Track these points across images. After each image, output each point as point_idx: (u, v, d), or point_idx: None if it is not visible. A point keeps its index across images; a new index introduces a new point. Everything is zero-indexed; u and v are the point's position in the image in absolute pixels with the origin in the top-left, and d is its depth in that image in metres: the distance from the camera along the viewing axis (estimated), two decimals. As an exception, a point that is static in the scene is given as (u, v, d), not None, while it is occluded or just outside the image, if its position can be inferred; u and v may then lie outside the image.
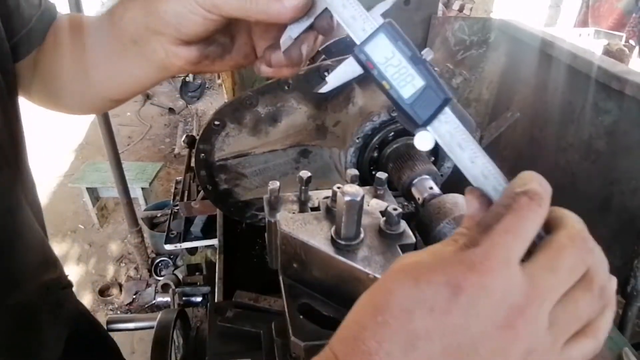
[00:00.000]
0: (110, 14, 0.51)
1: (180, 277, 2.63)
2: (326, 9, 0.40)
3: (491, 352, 0.28)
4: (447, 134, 0.36)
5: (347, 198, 0.49)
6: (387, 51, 0.37)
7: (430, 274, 0.29)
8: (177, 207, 1.91)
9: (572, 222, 0.32)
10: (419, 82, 0.36)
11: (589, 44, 2.35)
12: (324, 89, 0.42)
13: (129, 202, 2.37)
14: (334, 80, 0.41)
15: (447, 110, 0.36)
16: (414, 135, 0.37)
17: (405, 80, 0.36)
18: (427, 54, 0.37)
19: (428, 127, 0.36)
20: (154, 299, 2.63)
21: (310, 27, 0.42)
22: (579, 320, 0.30)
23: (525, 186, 0.30)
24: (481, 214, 0.33)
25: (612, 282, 0.32)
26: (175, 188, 2.18)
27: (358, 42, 0.38)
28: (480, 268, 0.28)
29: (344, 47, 1.16)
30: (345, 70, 0.40)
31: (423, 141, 0.37)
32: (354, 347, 0.30)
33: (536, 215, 0.30)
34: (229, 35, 0.49)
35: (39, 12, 0.58)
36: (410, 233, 0.57)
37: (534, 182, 0.31)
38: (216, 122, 0.88)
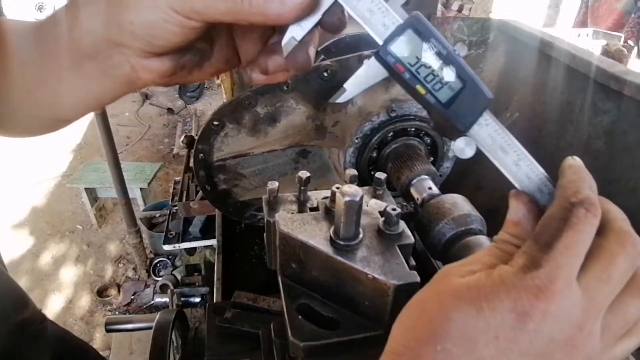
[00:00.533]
0: (53, 22, 0.42)
1: (179, 277, 2.63)
2: (335, 2, 0.33)
3: None
4: (488, 137, 0.33)
5: (346, 198, 0.49)
6: (417, 50, 0.32)
7: (494, 301, 0.28)
8: (176, 208, 1.91)
9: (620, 224, 0.31)
10: (457, 84, 0.32)
11: (588, 44, 2.36)
12: (343, 99, 0.36)
13: (128, 202, 2.36)
14: (353, 87, 0.35)
15: (486, 111, 0.33)
16: (451, 139, 0.33)
17: (441, 83, 0.32)
18: (460, 49, 0.33)
19: (468, 132, 0.33)
20: (153, 299, 2.63)
21: (316, 25, 0.35)
22: (628, 324, 0.30)
23: (578, 194, 0.30)
24: (529, 220, 0.32)
25: None
26: (174, 188, 2.18)
27: (380, 41, 0.33)
28: (546, 293, 0.27)
29: (344, 47, 1.16)
30: (366, 75, 0.34)
31: (465, 148, 0.33)
32: None
33: (593, 228, 0.29)
34: (209, 39, 0.41)
35: None
36: (409, 233, 0.57)
37: (586, 186, 0.30)
38: (215, 122, 0.88)
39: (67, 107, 0.46)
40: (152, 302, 2.63)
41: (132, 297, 2.70)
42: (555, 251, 0.28)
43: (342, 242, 0.53)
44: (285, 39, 0.35)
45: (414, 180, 0.81)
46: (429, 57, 0.32)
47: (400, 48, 0.32)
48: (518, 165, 0.33)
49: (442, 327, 0.29)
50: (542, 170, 0.33)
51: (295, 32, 0.35)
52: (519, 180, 0.33)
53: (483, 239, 0.65)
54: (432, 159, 1.00)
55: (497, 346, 0.27)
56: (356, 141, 0.84)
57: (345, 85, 0.35)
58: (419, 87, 0.32)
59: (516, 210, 0.33)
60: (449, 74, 0.32)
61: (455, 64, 0.32)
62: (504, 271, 0.29)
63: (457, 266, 0.33)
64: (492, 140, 0.33)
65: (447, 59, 0.31)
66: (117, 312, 2.62)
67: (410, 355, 0.30)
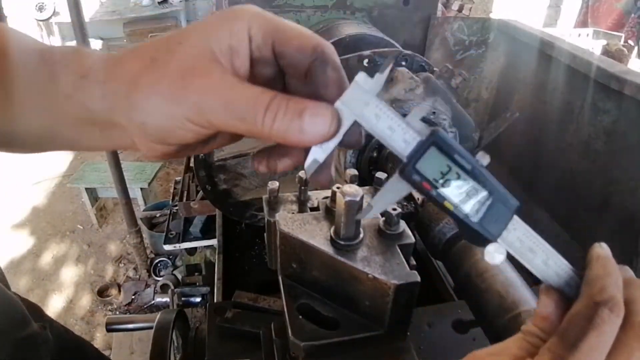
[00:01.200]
0: (50, 78, 0.37)
1: (180, 277, 2.63)
2: (355, 121, 0.34)
3: None
4: (517, 241, 0.33)
5: (347, 198, 0.49)
6: (442, 166, 0.32)
7: None
8: (176, 208, 1.91)
9: None
10: (483, 195, 0.32)
11: (588, 44, 2.36)
12: (369, 215, 0.36)
13: (128, 202, 2.36)
14: (380, 205, 0.35)
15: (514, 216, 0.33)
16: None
17: (468, 195, 0.32)
18: (483, 158, 0.33)
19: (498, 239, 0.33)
20: (153, 299, 2.63)
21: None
22: None
23: (604, 292, 0.31)
24: (557, 316, 0.34)
25: None
26: (175, 188, 2.18)
27: (403, 157, 0.33)
28: None
29: (344, 47, 1.15)
30: (392, 192, 0.34)
31: (495, 255, 0.33)
32: None
33: (616, 327, 0.30)
34: None
35: None
36: (410, 233, 0.57)
37: (612, 282, 0.31)
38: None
39: (48, 146, 0.42)
40: (152, 302, 2.63)
41: (133, 297, 2.70)
42: (580, 352, 0.29)
43: (342, 242, 0.53)
44: (307, 162, 0.35)
45: (414, 180, 0.80)
46: (454, 173, 0.32)
47: (426, 166, 0.32)
48: (547, 265, 0.34)
49: None
50: (569, 266, 0.34)
51: (317, 155, 0.35)
52: (549, 277, 0.34)
53: (483, 238, 0.65)
54: (432, 158, 1.00)
55: None
56: (356, 141, 0.84)
57: (371, 202, 0.35)
58: (446, 204, 0.32)
59: (546, 306, 0.34)
60: (474, 187, 0.32)
61: (480, 176, 0.32)
62: None
63: (485, 355, 0.34)
64: (520, 243, 0.34)
65: (471, 173, 0.32)
66: (117, 312, 2.62)
67: None
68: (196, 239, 1.98)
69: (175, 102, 0.32)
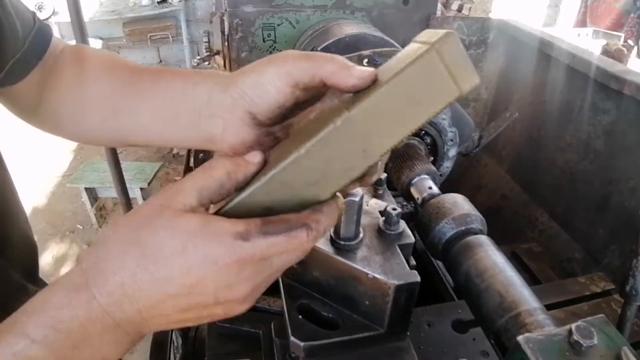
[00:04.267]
0: (164, 73, 0.50)
1: (179, 277, 2.62)
2: None
3: None
4: None
5: (347, 198, 0.49)
6: None
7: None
8: (176, 207, 1.90)
9: None
10: None
11: (588, 44, 2.36)
12: None
13: (128, 202, 2.36)
14: None
15: None
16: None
17: None
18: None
19: None
20: (153, 299, 2.63)
21: None
22: None
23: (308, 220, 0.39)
24: None
25: None
26: (174, 188, 2.17)
27: None
28: None
29: (344, 47, 1.16)
30: None
31: None
32: None
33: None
34: (287, 135, 0.47)
35: (34, 30, 0.56)
36: (410, 233, 0.57)
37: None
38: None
39: (144, 139, 0.52)
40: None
41: (132, 297, 2.70)
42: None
43: (342, 242, 0.53)
44: None
45: (414, 180, 0.81)
46: None
47: None
48: None
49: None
50: None
51: None
52: None
53: (483, 238, 0.65)
54: (432, 158, 1.01)
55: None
56: (356, 141, 0.84)
57: None
58: None
59: None
60: None
61: None
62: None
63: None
64: None
65: None
66: (117, 312, 2.62)
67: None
68: (196, 238, 1.98)
69: None
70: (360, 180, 0.39)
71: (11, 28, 0.53)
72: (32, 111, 0.59)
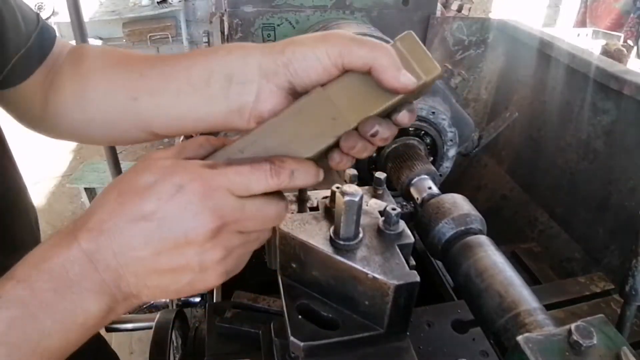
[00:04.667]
0: (190, 55, 0.49)
1: (179, 277, 2.62)
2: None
3: None
4: None
5: (346, 198, 0.49)
6: None
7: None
8: (176, 207, 1.90)
9: None
10: None
11: (588, 44, 2.36)
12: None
13: (128, 202, 2.36)
14: None
15: None
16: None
17: None
18: None
19: None
20: (153, 299, 2.62)
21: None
22: None
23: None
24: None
25: None
26: (174, 188, 2.17)
27: None
28: None
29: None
30: None
31: None
32: None
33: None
34: None
35: (37, 29, 0.56)
36: (409, 233, 0.57)
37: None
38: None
39: (166, 120, 0.50)
40: (151, 302, 2.62)
41: (132, 297, 2.69)
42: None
43: (342, 242, 0.53)
44: None
45: (414, 180, 0.81)
46: None
47: None
48: None
49: None
50: None
51: None
52: None
53: (483, 238, 0.65)
54: (431, 158, 1.01)
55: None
56: (356, 141, 0.84)
57: None
58: None
59: None
60: None
61: None
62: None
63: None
64: None
65: None
66: (117, 312, 2.61)
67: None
68: (195, 238, 1.97)
69: None
70: (335, 147, 0.43)
71: (14, 24, 0.53)
72: (36, 116, 0.58)
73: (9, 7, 0.52)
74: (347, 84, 0.42)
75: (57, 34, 0.60)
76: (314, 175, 0.42)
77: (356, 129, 0.42)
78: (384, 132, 0.43)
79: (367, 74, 0.41)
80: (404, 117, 0.44)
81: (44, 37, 0.57)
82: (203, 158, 0.41)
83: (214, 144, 0.42)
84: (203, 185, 0.36)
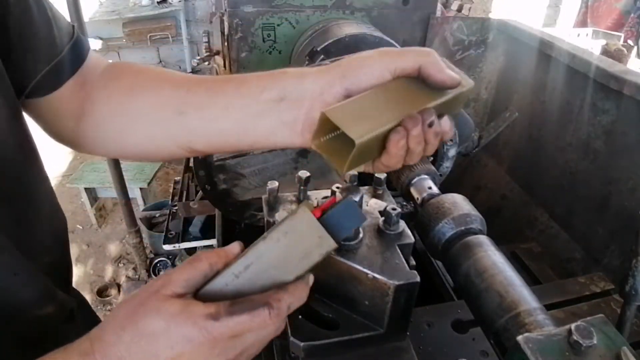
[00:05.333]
0: (244, 79, 0.51)
1: (179, 277, 2.62)
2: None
3: None
4: None
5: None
6: None
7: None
8: (176, 208, 1.91)
9: None
10: None
11: (588, 44, 2.36)
12: None
13: (128, 202, 2.36)
14: None
15: None
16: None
17: None
18: None
19: None
20: (153, 299, 2.62)
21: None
22: None
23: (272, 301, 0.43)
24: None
25: None
26: (174, 188, 2.18)
27: None
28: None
29: (344, 47, 1.16)
30: None
31: None
32: None
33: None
34: None
35: (73, 40, 0.56)
36: (409, 233, 0.57)
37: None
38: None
39: (209, 135, 0.53)
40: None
41: (132, 297, 2.69)
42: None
43: (342, 242, 0.53)
44: None
45: (414, 180, 0.81)
46: None
47: None
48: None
49: None
50: None
51: None
52: None
53: (483, 238, 0.65)
54: (431, 158, 1.00)
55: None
56: (356, 141, 0.84)
57: None
58: None
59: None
60: None
61: None
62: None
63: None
64: None
65: None
66: (117, 312, 2.62)
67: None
68: (195, 239, 1.98)
69: None
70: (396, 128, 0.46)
71: (48, 35, 0.53)
72: (68, 128, 0.59)
73: (46, 19, 0.53)
74: (399, 85, 0.47)
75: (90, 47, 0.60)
76: (306, 295, 0.46)
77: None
78: (437, 126, 0.47)
79: (416, 77, 0.46)
80: (446, 122, 0.48)
81: (77, 50, 0.57)
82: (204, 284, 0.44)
83: (215, 269, 0.44)
84: (209, 338, 0.40)
